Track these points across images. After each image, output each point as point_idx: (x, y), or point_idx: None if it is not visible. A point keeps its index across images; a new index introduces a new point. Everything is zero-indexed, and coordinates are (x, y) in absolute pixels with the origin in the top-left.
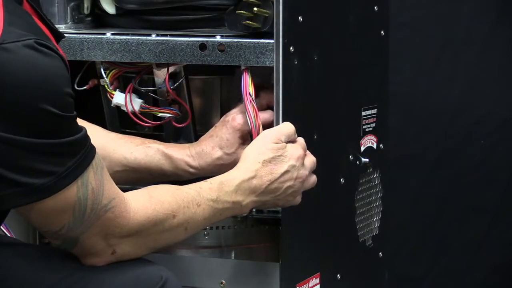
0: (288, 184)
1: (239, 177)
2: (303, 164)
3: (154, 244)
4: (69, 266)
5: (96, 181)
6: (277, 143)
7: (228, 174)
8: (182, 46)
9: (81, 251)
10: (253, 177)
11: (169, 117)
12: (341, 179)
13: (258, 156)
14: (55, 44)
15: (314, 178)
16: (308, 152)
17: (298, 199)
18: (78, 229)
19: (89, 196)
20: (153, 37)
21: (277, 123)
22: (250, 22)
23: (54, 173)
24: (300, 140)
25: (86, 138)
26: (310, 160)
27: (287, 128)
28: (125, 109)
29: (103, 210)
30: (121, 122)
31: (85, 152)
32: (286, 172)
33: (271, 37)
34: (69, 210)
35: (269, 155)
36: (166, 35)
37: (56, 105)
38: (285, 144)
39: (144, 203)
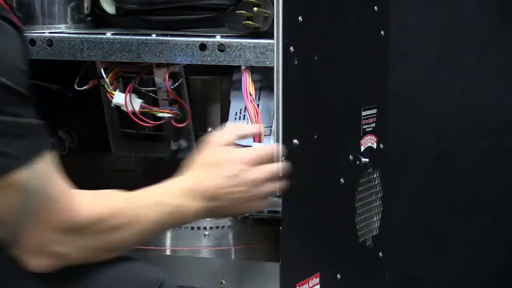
0: (237, 188)
1: (185, 181)
2: (252, 167)
3: (98, 245)
4: (66, 269)
5: (45, 172)
6: (223, 146)
7: (174, 179)
8: (182, 46)
9: (22, 247)
10: (198, 182)
11: (169, 117)
12: (341, 179)
13: (203, 161)
14: (13, 16)
15: (272, 185)
16: (270, 160)
17: (257, 204)
18: (22, 217)
19: (37, 184)
20: (153, 37)
21: (277, 123)
22: (250, 22)
23: (2, 154)
24: (260, 146)
25: (41, 127)
26: (268, 166)
27: (235, 129)
28: (125, 109)
29: (49, 201)
30: (121, 122)
31: (37, 140)
32: (233, 176)
33: (271, 37)
34: (14, 196)
35: (214, 159)
36: (166, 35)
37: (10, 78)
38: (230, 147)
39: (90, 200)
